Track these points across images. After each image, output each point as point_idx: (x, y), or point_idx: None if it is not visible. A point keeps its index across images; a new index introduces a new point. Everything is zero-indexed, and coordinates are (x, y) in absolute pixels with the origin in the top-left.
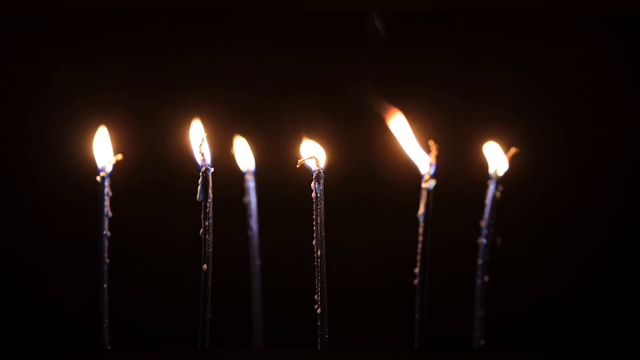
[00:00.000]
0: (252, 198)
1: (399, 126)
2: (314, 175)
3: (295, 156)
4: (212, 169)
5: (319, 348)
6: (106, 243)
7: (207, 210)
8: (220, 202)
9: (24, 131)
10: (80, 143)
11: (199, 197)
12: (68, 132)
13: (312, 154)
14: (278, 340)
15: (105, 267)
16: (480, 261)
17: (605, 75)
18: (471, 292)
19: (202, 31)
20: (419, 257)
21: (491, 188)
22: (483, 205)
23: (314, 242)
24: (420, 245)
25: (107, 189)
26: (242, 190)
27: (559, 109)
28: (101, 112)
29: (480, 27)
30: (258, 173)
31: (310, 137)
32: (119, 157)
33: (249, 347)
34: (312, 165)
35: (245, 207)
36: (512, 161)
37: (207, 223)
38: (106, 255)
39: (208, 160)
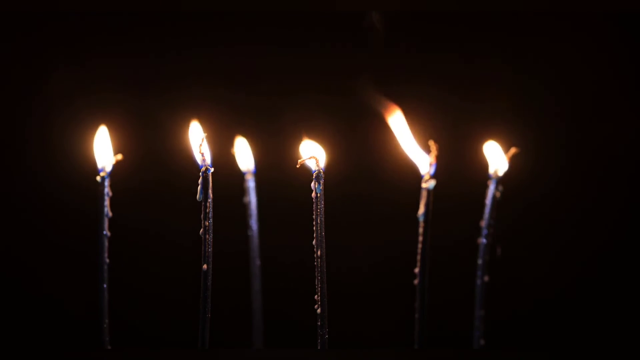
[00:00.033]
0: (252, 198)
1: (399, 125)
2: (314, 175)
3: (295, 156)
4: (212, 169)
5: (319, 348)
6: (106, 243)
7: (207, 210)
8: (220, 202)
9: (24, 131)
10: (80, 143)
11: (199, 197)
12: (68, 132)
13: (312, 154)
14: (278, 340)
15: (105, 267)
16: (480, 261)
17: (606, 75)
18: (471, 292)
19: (202, 31)
20: (419, 257)
21: (491, 188)
22: (483, 205)
23: (314, 242)
24: (420, 245)
25: (107, 189)
26: (242, 190)
27: (559, 109)
28: (101, 112)
29: (480, 27)
30: (258, 173)
31: (310, 137)
32: (119, 157)
33: (249, 347)
34: (312, 165)
35: (245, 207)
36: (512, 161)
37: (207, 223)
38: (106, 255)
39: (208, 160)
